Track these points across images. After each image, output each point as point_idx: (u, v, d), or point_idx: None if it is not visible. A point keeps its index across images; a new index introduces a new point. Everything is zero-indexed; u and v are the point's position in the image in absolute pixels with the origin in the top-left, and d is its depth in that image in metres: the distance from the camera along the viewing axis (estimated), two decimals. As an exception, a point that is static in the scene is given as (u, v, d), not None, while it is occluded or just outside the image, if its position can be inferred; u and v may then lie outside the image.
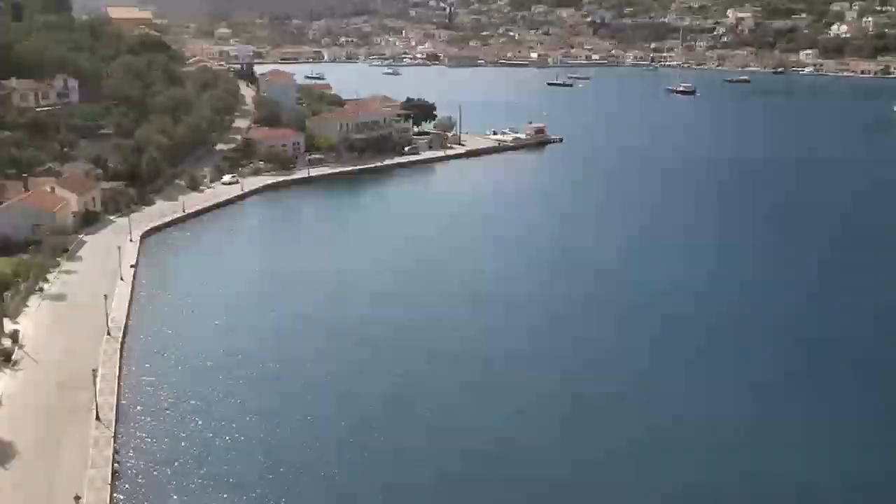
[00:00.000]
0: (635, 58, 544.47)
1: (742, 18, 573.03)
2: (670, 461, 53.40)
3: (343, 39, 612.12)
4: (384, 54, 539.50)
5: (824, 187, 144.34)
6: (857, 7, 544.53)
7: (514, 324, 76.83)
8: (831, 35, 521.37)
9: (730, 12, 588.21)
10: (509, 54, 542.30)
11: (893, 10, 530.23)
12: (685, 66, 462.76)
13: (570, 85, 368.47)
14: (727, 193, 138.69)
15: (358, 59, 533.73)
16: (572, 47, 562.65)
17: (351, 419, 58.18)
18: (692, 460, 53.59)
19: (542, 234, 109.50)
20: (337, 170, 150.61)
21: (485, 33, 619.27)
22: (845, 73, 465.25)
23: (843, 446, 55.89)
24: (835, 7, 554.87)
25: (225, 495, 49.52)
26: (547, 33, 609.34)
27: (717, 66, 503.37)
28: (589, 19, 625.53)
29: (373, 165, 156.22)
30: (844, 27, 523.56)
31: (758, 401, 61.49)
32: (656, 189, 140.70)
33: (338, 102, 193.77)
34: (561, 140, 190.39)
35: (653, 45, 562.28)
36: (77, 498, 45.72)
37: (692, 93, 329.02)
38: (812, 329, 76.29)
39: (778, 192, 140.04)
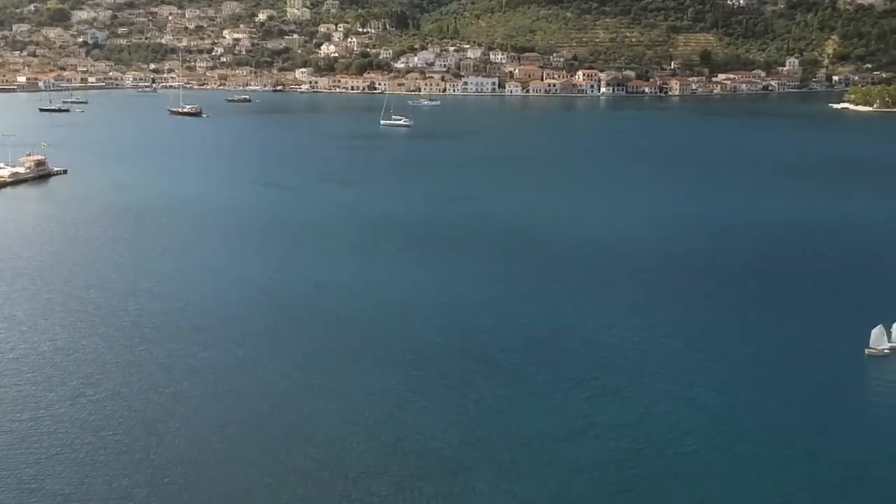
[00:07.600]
0: (135, 79, 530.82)
1: (238, 39, 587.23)
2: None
3: None
4: None
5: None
6: (342, 28, 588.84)
7: None
8: (322, 55, 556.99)
9: (226, 33, 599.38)
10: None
11: (373, 31, 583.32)
12: (187, 86, 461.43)
13: (67, 110, 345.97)
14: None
15: None
16: (64, 69, 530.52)
17: None
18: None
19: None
20: None
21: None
22: (338, 90, 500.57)
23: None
24: (322, 28, 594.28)
25: None
26: (34, 55, 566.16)
27: (219, 85, 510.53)
28: (81, 40, 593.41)
29: None
30: (333, 47, 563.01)
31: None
32: (183, 228, 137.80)
33: None
34: (65, 171, 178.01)
35: (152, 66, 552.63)
36: None
37: (198, 114, 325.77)
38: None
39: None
